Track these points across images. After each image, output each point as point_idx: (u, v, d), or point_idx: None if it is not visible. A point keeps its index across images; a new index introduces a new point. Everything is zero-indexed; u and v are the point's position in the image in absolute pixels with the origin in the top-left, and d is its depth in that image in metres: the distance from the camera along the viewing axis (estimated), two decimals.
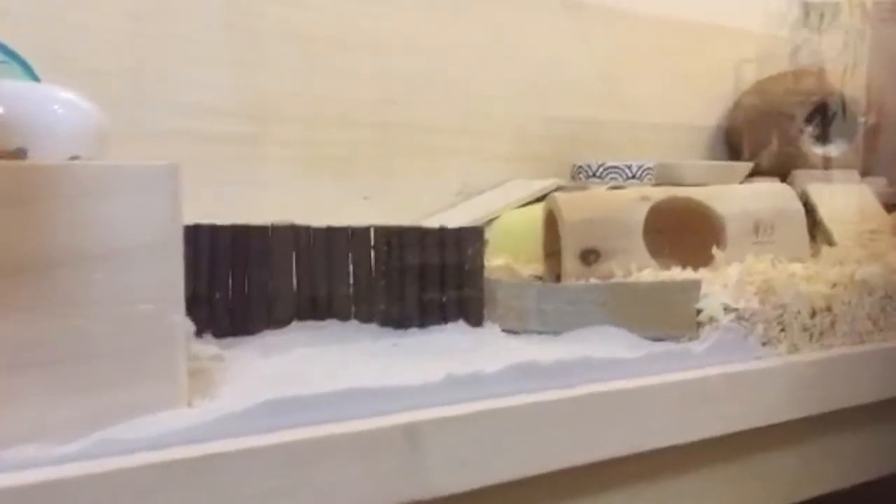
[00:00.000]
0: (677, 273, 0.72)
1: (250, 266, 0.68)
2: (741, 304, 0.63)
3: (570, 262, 0.79)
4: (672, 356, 0.59)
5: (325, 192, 1.02)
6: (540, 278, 0.86)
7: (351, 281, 0.70)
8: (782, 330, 0.65)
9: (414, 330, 0.69)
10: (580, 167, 1.15)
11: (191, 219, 0.76)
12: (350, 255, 0.70)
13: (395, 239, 0.70)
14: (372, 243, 0.70)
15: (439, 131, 1.10)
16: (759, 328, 0.63)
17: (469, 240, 0.69)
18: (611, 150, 1.22)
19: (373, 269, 0.70)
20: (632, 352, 0.59)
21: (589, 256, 0.79)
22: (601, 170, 1.13)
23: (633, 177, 1.13)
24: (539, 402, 0.50)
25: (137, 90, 0.89)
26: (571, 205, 0.80)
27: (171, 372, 0.43)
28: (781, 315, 0.65)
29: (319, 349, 0.62)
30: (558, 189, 1.11)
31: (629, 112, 1.25)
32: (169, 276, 0.43)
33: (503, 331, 0.69)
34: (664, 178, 1.12)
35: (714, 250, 0.76)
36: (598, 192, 0.86)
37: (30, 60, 0.80)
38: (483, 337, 0.67)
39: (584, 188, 1.07)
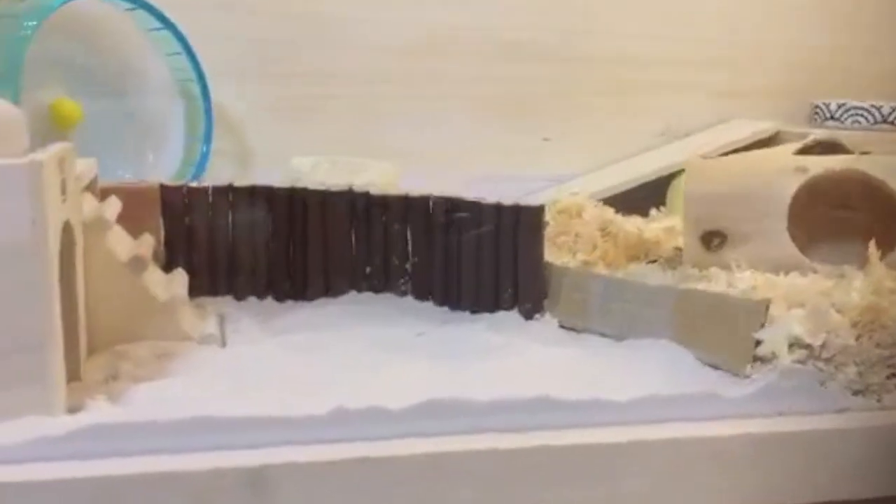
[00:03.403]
0: (782, 280, 0.56)
1: (308, 232, 0.65)
2: (818, 340, 0.47)
3: (690, 245, 0.65)
4: (685, 402, 0.45)
5: (498, 133, 0.94)
6: None
7: (410, 252, 0.64)
8: (894, 375, 0.48)
9: (465, 315, 0.62)
10: (817, 107, 0.95)
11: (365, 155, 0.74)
12: (408, 226, 0.64)
13: (453, 211, 0.62)
14: (430, 213, 0.63)
15: (640, 63, 0.96)
16: (851, 371, 0.47)
17: (526, 219, 0.60)
18: (862, 84, 0.98)
19: (433, 241, 0.63)
20: (659, 387, 0.47)
21: (712, 240, 0.64)
22: (841, 111, 0.92)
23: (884, 121, 0.91)
24: (444, 454, 0.41)
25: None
26: (699, 172, 0.66)
27: (36, 377, 0.42)
28: (893, 358, 0.48)
29: (327, 334, 0.58)
30: (776, 135, 0.93)
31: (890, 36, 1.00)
32: (29, 281, 0.42)
33: (561, 327, 0.60)
34: None
35: (871, 248, 0.58)
36: (742, 157, 0.69)
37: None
38: (528, 334, 0.58)
39: (805, 136, 0.88)
